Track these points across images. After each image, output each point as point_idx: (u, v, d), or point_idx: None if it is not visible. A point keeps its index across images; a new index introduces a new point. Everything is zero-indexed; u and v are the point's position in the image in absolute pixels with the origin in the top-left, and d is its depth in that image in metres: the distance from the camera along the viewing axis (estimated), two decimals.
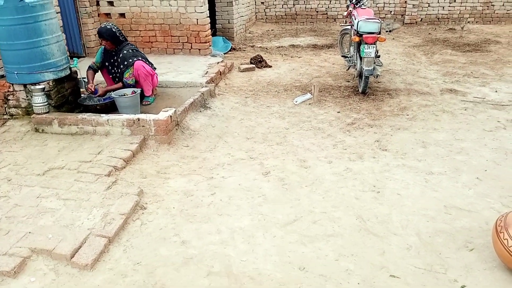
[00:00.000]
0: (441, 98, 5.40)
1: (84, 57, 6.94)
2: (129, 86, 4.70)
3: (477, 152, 3.86)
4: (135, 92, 4.48)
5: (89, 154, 3.71)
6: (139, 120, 4.00)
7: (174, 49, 7.36)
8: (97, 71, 4.94)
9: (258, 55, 7.31)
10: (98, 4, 7.21)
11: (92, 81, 4.80)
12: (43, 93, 4.11)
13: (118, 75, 4.86)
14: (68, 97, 4.46)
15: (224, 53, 7.84)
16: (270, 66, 7.10)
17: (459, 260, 2.49)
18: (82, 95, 4.70)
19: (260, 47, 8.86)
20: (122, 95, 4.47)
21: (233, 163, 3.77)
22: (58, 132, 4.13)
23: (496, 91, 5.62)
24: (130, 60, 4.69)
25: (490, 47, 8.37)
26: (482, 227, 2.77)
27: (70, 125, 4.09)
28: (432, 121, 4.64)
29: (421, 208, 3.01)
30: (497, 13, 11.16)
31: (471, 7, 11.17)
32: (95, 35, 7.01)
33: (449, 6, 11.27)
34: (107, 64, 4.91)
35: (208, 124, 4.60)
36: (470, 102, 5.20)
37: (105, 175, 3.37)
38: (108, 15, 7.25)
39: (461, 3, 11.16)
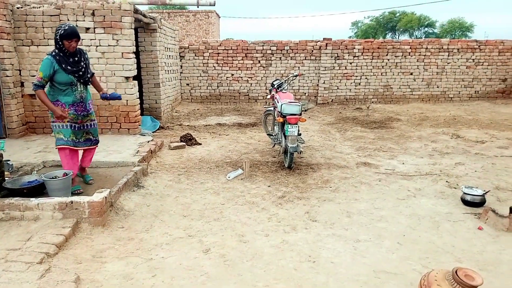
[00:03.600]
0: (357, 170, 5.97)
1: (4, 138, 6.64)
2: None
3: (394, 219, 4.30)
4: (67, 174, 4.39)
5: (18, 241, 3.50)
6: (72, 202, 3.90)
7: (102, 129, 7.34)
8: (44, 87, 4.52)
9: (187, 133, 7.56)
10: (22, 85, 7.09)
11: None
12: None
13: (83, 69, 4.66)
14: None
15: (153, 132, 7.99)
16: (200, 144, 7.35)
17: None
18: (6, 178, 4.47)
19: (188, 125, 9.15)
20: (53, 178, 4.35)
21: (172, 242, 3.78)
22: None
23: (403, 163, 6.36)
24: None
25: (393, 124, 9.51)
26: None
27: None
28: (353, 192, 5.10)
29: (354, 274, 3.25)
30: (395, 95, 12.85)
31: (373, 89, 12.77)
32: (17, 115, 6.84)
33: (355, 89, 12.77)
34: (69, 68, 4.50)
35: (143, 204, 4.59)
36: (382, 174, 5.82)
37: (37, 263, 3.19)
38: (32, 95, 7.10)
39: (365, 86, 12.74)
